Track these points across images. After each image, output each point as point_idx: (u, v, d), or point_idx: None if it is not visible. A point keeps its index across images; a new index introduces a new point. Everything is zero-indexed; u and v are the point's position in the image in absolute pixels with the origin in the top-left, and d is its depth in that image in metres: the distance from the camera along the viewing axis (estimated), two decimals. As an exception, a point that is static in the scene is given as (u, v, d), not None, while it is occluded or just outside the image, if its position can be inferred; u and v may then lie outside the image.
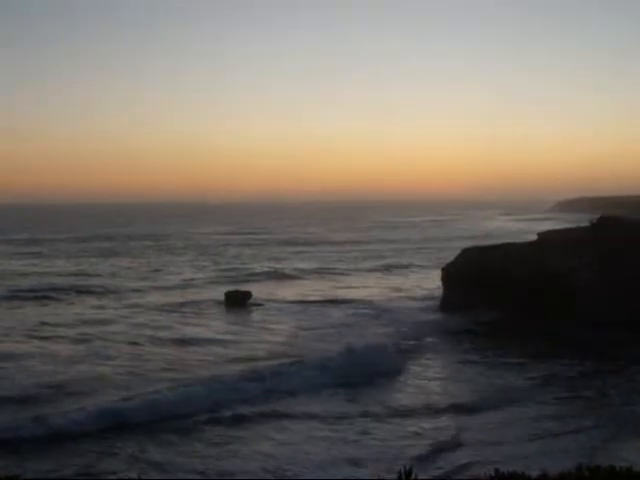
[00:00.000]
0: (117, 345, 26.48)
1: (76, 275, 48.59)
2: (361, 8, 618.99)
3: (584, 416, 18.65)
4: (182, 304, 36.95)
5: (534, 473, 8.29)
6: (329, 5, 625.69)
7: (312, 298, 39.58)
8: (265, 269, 54.35)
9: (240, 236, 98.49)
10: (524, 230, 69.72)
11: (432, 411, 18.89)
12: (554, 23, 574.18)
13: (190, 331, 29.98)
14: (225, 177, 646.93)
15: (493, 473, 7.60)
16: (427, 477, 13.64)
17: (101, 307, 36.17)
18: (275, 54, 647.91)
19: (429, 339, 28.65)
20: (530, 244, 36.59)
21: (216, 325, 32.16)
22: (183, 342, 27.53)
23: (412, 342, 27.76)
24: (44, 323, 30.80)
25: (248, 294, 38.35)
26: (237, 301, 37.34)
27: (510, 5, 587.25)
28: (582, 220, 38.83)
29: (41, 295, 39.00)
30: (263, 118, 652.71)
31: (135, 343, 27.02)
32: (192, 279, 47.55)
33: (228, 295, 38.02)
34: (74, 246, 76.47)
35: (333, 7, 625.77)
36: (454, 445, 16.35)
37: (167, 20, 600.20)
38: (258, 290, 40.93)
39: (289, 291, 42.58)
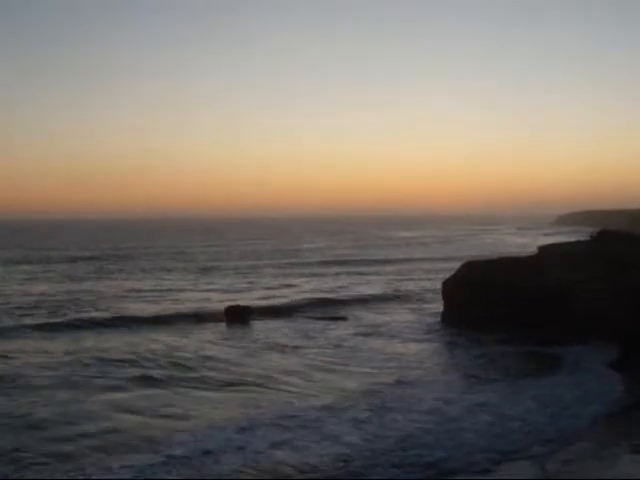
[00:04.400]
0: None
1: (75, 299, 44.26)
2: (363, 17, 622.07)
3: (585, 431, 18.43)
4: (182, 319, 36.56)
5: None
6: (335, 15, 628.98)
7: (320, 315, 38.57)
8: (266, 286, 54.03)
9: (236, 251, 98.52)
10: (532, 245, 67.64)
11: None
12: (555, 37, 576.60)
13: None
14: (222, 191, 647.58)
15: None
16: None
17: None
18: (281, 63, 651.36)
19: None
20: (531, 257, 36.53)
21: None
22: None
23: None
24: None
25: (249, 309, 37.95)
26: (237, 316, 36.63)
27: (512, 16, 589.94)
28: (583, 233, 38.61)
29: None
30: (261, 129, 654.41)
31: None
32: (193, 297, 46.75)
33: (228, 310, 37.41)
34: (68, 265, 74.95)
35: (335, 17, 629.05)
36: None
37: (162, 28, 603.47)
38: (257, 304, 40.75)
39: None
